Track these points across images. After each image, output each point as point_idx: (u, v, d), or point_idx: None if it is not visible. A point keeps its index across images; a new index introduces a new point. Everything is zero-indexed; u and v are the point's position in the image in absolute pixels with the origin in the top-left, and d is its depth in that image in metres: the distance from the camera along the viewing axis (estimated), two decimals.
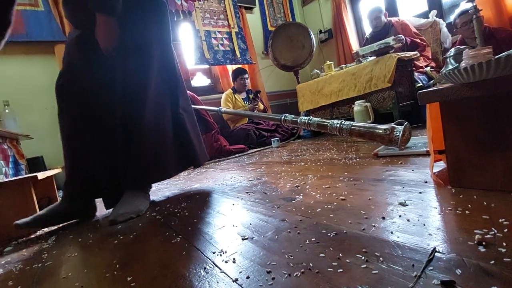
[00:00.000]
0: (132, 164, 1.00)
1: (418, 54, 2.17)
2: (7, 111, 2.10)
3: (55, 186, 1.63)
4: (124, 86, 1.00)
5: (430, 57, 2.50)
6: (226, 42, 3.38)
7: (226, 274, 0.44)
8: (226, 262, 0.48)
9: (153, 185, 1.39)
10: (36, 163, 2.14)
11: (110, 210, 1.04)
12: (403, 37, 2.26)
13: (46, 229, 1.01)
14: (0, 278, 0.62)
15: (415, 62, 2.27)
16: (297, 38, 3.01)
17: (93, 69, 1.02)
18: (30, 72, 2.39)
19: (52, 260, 0.67)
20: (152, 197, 1.16)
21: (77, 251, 0.70)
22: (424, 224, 0.47)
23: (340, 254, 0.43)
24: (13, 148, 1.81)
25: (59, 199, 1.62)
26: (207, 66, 3.38)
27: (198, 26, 3.16)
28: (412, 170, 0.84)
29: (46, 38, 2.31)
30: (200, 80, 3.47)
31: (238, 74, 3.09)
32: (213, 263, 0.49)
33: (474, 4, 1.60)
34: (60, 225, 1.04)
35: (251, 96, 3.08)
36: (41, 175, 1.11)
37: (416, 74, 2.22)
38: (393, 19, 2.61)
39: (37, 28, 2.29)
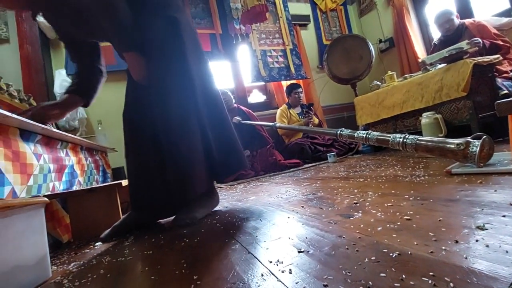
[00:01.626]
0: (175, 180, 1.07)
1: (501, 58, 1.89)
2: (99, 128, 2.54)
3: None
4: (152, 109, 1.08)
5: None
6: (281, 59, 3.49)
7: (283, 283, 0.46)
8: (282, 272, 0.50)
9: None
10: (118, 172, 2.50)
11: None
12: (480, 40, 2.01)
13: None
14: (94, 266, 0.75)
15: (498, 66, 1.98)
16: (354, 50, 2.94)
17: (133, 99, 1.19)
18: (118, 95, 2.82)
19: (132, 255, 0.78)
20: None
21: (152, 250, 0.80)
22: (507, 251, 0.41)
23: (404, 276, 0.40)
24: (102, 159, 2.16)
25: None
26: (262, 83, 3.52)
27: (254, 46, 3.34)
28: (495, 191, 0.73)
29: None
30: (256, 97, 3.63)
31: (292, 89, 3.14)
32: (270, 271, 0.51)
33: None
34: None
35: (305, 110, 3.08)
36: (124, 183, 1.30)
37: (499, 80, 1.93)
38: (467, 21, 2.35)
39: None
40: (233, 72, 3.47)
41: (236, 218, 0.97)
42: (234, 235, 0.79)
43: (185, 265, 0.62)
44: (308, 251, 0.57)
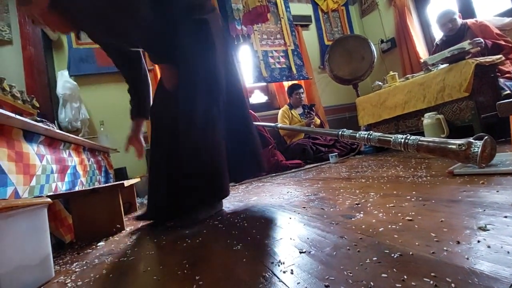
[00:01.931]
0: (187, 181, 1.08)
1: (503, 58, 1.88)
2: (102, 129, 2.55)
3: (135, 193, 1.88)
4: (178, 109, 1.10)
5: None
6: (282, 59, 3.49)
7: (285, 284, 0.46)
8: (284, 272, 0.50)
9: None
10: (121, 173, 2.51)
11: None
12: (481, 40, 1.99)
13: (128, 229, 1.18)
14: (96, 266, 0.75)
15: (500, 67, 1.97)
16: (356, 50, 2.94)
17: (160, 100, 1.24)
18: (120, 96, 2.86)
19: (134, 255, 0.79)
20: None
21: (154, 250, 0.80)
22: (509, 252, 0.41)
23: (405, 276, 0.40)
24: (105, 159, 2.17)
25: (138, 205, 1.86)
26: (264, 84, 3.52)
27: (256, 47, 3.35)
28: (497, 191, 0.73)
29: None
30: (257, 97, 3.64)
31: (293, 89, 3.14)
32: (272, 272, 0.51)
33: None
34: (140, 225, 1.20)
35: (306, 111, 3.08)
36: (126, 183, 1.30)
37: (501, 80, 1.92)
38: (469, 21, 2.34)
39: None
40: None
41: (238, 219, 0.98)
42: (235, 235, 0.79)
43: (187, 265, 0.62)
44: (309, 252, 0.57)
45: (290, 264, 0.53)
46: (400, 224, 0.62)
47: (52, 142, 1.25)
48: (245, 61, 3.40)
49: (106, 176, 2.09)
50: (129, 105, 1.34)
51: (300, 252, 0.57)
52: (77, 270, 0.76)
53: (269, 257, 0.58)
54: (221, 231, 0.87)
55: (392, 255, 0.48)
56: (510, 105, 0.50)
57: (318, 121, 3.11)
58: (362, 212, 0.77)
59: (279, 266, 0.53)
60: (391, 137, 1.20)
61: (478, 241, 0.47)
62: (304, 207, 0.96)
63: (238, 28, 3.25)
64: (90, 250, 0.95)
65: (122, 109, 2.82)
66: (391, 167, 1.46)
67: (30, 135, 1.06)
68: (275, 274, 0.50)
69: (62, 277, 0.71)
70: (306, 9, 3.90)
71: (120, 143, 2.63)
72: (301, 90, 3.15)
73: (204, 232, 0.90)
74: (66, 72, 2.59)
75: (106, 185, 1.29)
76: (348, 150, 2.72)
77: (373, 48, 2.88)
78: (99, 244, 1.02)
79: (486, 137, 0.96)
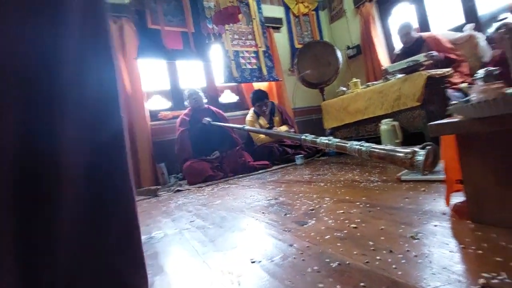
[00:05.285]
0: None
1: (452, 71, 2.07)
2: None
3: None
4: None
5: (467, 72, 2.36)
6: (253, 60, 3.50)
7: None
8: (232, 283, 0.51)
9: (179, 198, 1.49)
10: None
11: None
12: (435, 53, 2.17)
13: None
14: None
15: (450, 79, 2.16)
16: (323, 56, 3.04)
17: None
18: None
19: None
20: (176, 211, 1.23)
21: None
22: (431, 262, 0.46)
23: (338, 286, 0.44)
24: None
25: None
26: (235, 84, 3.51)
27: (227, 47, 3.32)
28: (434, 199, 0.81)
29: None
30: (228, 97, 3.61)
31: (255, 101, 2.90)
32: (220, 282, 0.52)
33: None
34: None
35: (278, 120, 3.02)
36: None
37: (450, 91, 2.11)
38: (425, 34, 2.53)
39: None
40: (205, 71, 3.42)
41: (198, 225, 0.97)
42: (193, 243, 0.78)
43: None
44: (260, 261, 0.59)
45: (239, 274, 0.54)
46: (345, 231, 0.66)
47: None
48: (216, 61, 3.36)
49: None
50: None
51: (251, 262, 0.59)
52: None
53: (221, 266, 0.59)
54: (180, 238, 0.86)
55: (332, 264, 0.51)
56: (439, 126, 0.55)
57: (283, 129, 3.06)
58: (314, 219, 0.80)
59: (228, 276, 0.54)
60: (347, 144, 1.27)
61: (408, 250, 0.51)
62: (263, 213, 0.98)
63: (210, 26, 3.20)
64: None
65: None
66: (349, 171, 1.54)
67: None
68: (222, 285, 0.51)
69: None
70: (278, 12, 3.95)
71: None
72: (266, 101, 2.90)
73: (162, 236, 0.88)
74: None
75: None
76: (314, 151, 2.81)
77: (339, 55, 3.00)
78: None
79: (429, 146, 1.05)
